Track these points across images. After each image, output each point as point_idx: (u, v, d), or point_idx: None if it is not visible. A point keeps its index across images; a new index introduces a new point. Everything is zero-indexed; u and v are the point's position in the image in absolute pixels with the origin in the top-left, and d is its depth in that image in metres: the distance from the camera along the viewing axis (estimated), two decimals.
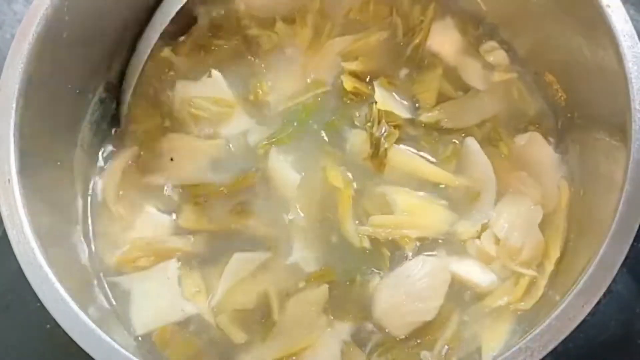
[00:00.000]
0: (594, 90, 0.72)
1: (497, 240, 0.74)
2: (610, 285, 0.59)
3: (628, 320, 0.81)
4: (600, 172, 0.71)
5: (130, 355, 0.59)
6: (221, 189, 0.78)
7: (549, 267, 0.72)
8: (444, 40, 0.84)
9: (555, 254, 0.73)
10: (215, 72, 0.83)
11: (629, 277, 0.82)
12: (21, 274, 0.61)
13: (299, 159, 0.78)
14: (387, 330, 0.71)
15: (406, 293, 0.71)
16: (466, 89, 0.82)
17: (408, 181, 0.77)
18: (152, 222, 0.77)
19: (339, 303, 0.72)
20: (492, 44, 0.84)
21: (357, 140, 0.79)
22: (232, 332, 0.71)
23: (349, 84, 0.81)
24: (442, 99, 0.81)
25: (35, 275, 0.61)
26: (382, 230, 0.74)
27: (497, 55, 0.83)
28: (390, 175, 0.77)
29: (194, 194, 0.78)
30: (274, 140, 0.79)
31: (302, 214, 0.76)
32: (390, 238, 0.74)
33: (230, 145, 0.80)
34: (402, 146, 0.78)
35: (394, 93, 0.81)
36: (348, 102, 0.81)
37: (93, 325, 0.59)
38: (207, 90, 0.82)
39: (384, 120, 0.77)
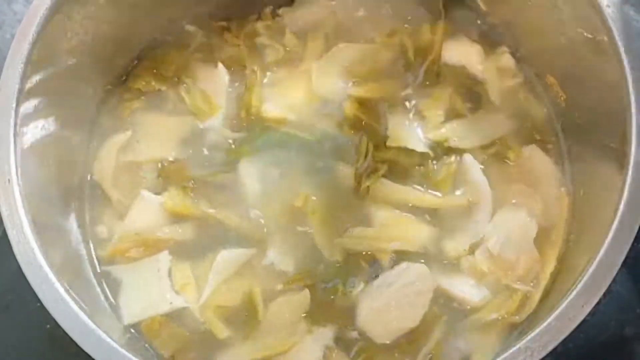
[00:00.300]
0: (594, 91, 0.72)
1: (491, 255, 0.73)
2: (610, 285, 0.59)
3: (628, 321, 0.81)
4: (600, 173, 0.71)
5: (130, 355, 0.59)
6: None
7: (544, 280, 0.71)
8: (458, 52, 0.83)
9: (550, 266, 0.72)
10: (220, 66, 0.83)
11: (629, 277, 0.82)
12: (21, 274, 0.61)
13: (276, 175, 0.78)
14: (370, 337, 0.71)
15: (389, 300, 0.71)
16: (477, 103, 0.81)
17: (394, 205, 0.76)
18: (144, 208, 0.76)
19: (322, 309, 0.72)
20: (503, 48, 0.83)
21: (341, 173, 0.77)
22: (216, 328, 0.71)
23: (350, 109, 0.80)
24: (450, 115, 0.80)
25: (35, 275, 0.61)
26: (359, 243, 0.73)
27: (505, 59, 0.83)
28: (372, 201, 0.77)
29: (179, 177, 0.78)
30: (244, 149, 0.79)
31: (266, 222, 0.76)
32: (368, 252, 0.73)
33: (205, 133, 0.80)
34: (387, 180, 0.77)
35: (407, 122, 0.80)
36: (350, 132, 0.79)
37: (93, 325, 0.59)
38: (208, 80, 0.82)
39: (370, 156, 0.76)
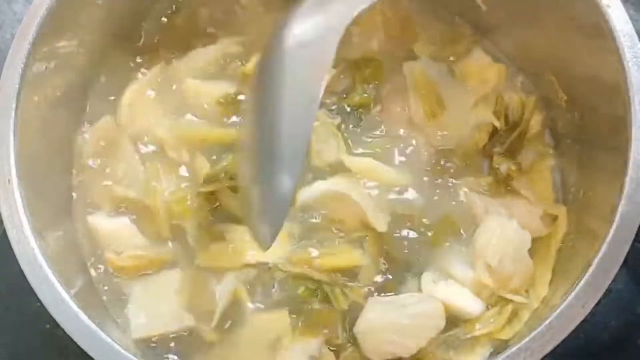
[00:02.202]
0: (594, 90, 0.72)
1: (489, 267, 0.72)
2: (610, 285, 0.59)
3: (628, 320, 0.81)
4: (600, 172, 0.71)
5: (131, 356, 0.59)
6: None
7: (535, 302, 0.71)
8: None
9: (543, 291, 0.71)
10: None
11: (629, 277, 0.82)
12: (21, 274, 0.61)
13: None
14: (361, 348, 0.70)
15: (394, 321, 0.69)
16: None
17: None
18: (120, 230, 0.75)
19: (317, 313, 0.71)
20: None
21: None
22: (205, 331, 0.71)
23: None
24: None
25: (35, 275, 0.61)
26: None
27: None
28: None
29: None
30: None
31: None
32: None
33: None
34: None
35: None
36: None
37: (93, 326, 0.59)
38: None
39: None
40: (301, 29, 0.60)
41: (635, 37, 0.64)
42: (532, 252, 0.73)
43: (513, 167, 0.77)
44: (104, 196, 0.76)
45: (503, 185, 0.77)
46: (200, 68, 0.80)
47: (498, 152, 0.78)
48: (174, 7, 0.83)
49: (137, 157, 0.77)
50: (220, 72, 0.81)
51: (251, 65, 0.79)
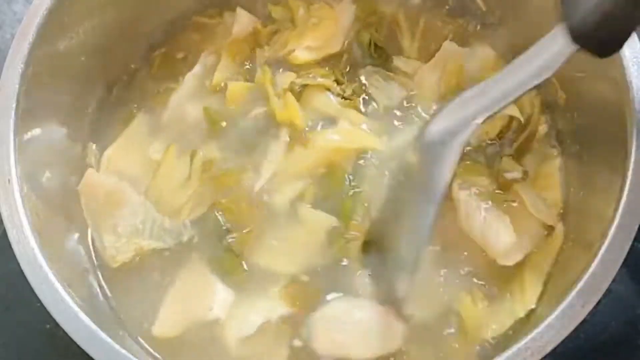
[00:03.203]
0: (594, 90, 0.72)
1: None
2: (610, 285, 0.59)
3: (628, 320, 0.81)
4: (600, 172, 0.71)
5: (131, 356, 0.59)
6: None
7: (521, 312, 0.69)
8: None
9: (530, 302, 0.70)
10: None
11: (629, 277, 0.82)
12: (21, 274, 0.61)
13: None
14: (312, 344, 0.69)
15: (343, 324, 0.69)
16: None
17: None
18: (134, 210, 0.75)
19: None
20: None
21: None
22: None
23: None
24: None
25: (35, 275, 0.61)
26: None
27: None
28: None
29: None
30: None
31: None
32: None
33: None
34: None
35: None
36: None
37: (93, 326, 0.59)
38: None
39: None
40: (439, 125, 0.65)
41: (635, 37, 0.64)
42: (526, 261, 0.72)
43: (519, 176, 0.75)
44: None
45: (503, 191, 0.75)
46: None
47: (507, 153, 0.77)
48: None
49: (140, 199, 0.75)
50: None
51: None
